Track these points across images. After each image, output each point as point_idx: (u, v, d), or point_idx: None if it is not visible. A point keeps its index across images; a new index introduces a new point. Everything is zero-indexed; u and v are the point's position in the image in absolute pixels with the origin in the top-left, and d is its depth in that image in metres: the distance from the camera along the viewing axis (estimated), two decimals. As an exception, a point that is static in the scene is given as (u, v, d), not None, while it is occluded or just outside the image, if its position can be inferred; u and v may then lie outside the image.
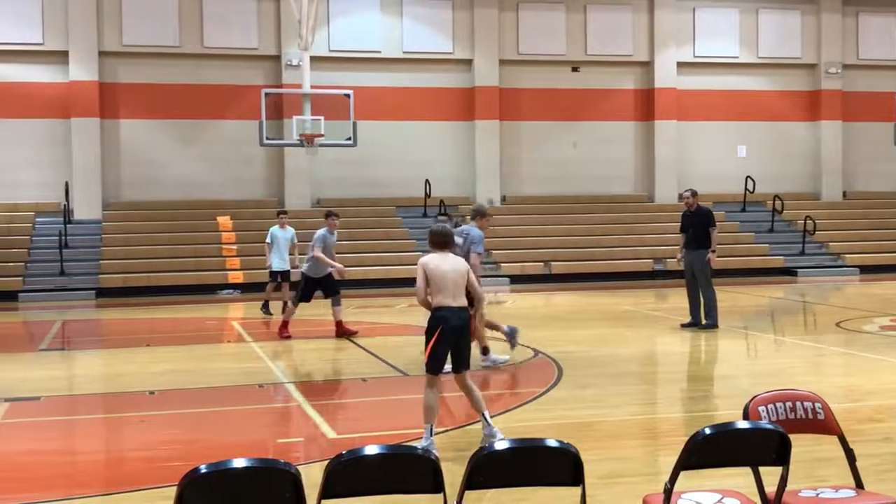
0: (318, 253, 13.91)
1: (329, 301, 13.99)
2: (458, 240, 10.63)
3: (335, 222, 14.98)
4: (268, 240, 16.50)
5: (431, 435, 7.09)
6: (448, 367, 7.42)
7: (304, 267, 13.95)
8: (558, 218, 25.63)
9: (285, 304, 15.94)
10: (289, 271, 16.49)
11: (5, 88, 23.70)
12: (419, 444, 6.92)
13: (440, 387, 7.45)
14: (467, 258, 10.27)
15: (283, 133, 23.06)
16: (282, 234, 16.35)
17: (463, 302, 7.22)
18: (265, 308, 16.84)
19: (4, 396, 9.85)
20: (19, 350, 14.09)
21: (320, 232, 14.51)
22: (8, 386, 10.60)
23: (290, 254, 16.53)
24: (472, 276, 7.45)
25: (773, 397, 4.54)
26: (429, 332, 7.16)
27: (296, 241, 16.49)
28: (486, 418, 7.31)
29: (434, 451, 7.10)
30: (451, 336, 7.14)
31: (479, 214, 10.81)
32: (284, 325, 14.04)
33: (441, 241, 7.42)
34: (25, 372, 11.55)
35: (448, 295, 7.15)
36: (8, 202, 23.88)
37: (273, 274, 16.51)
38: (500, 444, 3.81)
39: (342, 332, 13.78)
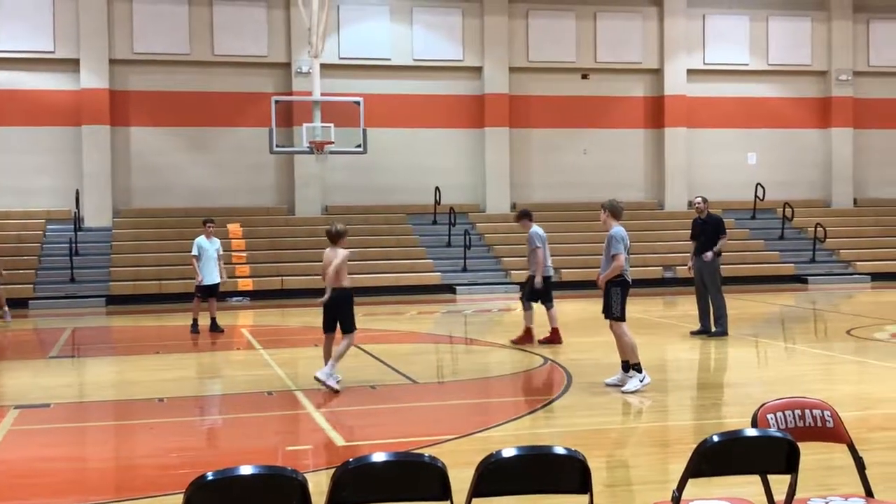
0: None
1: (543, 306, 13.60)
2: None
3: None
4: (194, 252, 15.33)
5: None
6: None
7: (548, 270, 13.50)
8: (568, 225, 25.60)
9: (213, 319, 15.62)
10: (218, 285, 15.54)
11: (17, 96, 23.81)
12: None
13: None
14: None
15: (294, 140, 23.11)
16: (209, 245, 15.34)
17: (335, 284, 10.19)
18: (194, 327, 15.53)
19: (15, 403, 9.88)
20: (30, 357, 14.12)
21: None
22: (18, 393, 10.64)
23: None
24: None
25: (782, 405, 4.52)
26: None
27: (221, 251, 15.58)
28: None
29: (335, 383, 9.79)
30: None
31: None
32: (555, 331, 13.44)
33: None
34: (35, 379, 11.58)
35: None
36: (20, 209, 23.98)
37: (202, 288, 15.35)
38: (508, 452, 3.80)
39: (551, 338, 13.42)
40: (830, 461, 6.24)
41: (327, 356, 10.28)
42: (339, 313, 10.23)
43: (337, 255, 10.14)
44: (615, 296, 10.10)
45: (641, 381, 10.01)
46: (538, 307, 13.68)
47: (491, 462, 3.74)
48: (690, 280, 14.87)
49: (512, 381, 11.45)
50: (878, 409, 9.03)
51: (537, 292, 13.52)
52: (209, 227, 15.51)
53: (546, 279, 13.54)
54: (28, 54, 23.86)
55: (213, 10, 24.71)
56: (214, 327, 15.63)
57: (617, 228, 10.29)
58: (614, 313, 10.13)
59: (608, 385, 10.23)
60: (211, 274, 15.39)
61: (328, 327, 10.33)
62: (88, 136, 24.00)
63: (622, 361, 10.21)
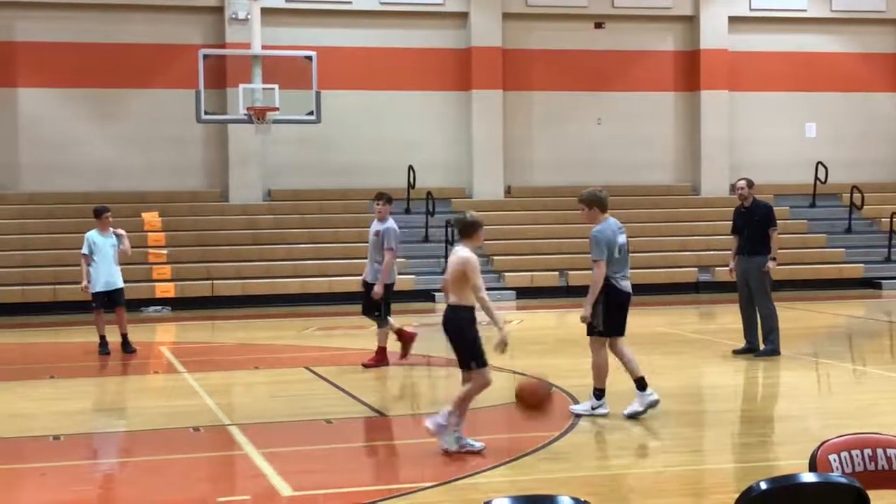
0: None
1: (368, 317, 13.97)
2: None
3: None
4: (84, 249, 15.21)
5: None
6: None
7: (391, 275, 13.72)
8: (577, 215, 25.55)
9: (124, 336, 15.46)
10: (121, 290, 15.50)
11: None
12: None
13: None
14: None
15: (227, 106, 23.02)
16: (105, 240, 15.28)
17: (449, 299, 9.22)
18: (103, 347, 15.41)
19: None
20: None
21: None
22: None
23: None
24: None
25: (849, 443, 4.55)
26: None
27: (127, 245, 15.55)
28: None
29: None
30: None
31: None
32: (382, 351, 13.78)
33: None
34: None
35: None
36: None
37: (98, 297, 15.24)
38: (500, 503, 3.80)
39: (375, 360, 13.82)
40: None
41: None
42: (453, 342, 9.34)
43: (455, 257, 9.20)
44: (597, 306, 10.49)
45: (593, 409, 10.45)
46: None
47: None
48: (732, 285, 14.92)
49: (505, 413, 11.44)
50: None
51: (378, 303, 13.69)
52: (107, 217, 15.46)
53: (388, 287, 13.74)
54: None
55: (123, -62, 24.63)
56: (126, 346, 15.53)
57: (602, 225, 10.57)
58: (595, 327, 10.50)
59: (628, 417, 10.27)
60: (108, 277, 15.31)
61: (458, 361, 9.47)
62: (-37, 99, 23.91)
63: (635, 380, 10.48)
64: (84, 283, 15.21)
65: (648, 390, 10.45)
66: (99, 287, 15.23)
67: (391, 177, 25.54)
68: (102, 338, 15.48)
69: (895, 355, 15.71)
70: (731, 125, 27.39)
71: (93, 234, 15.32)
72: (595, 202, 10.62)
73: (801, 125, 28.12)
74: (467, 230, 9.24)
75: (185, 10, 25.08)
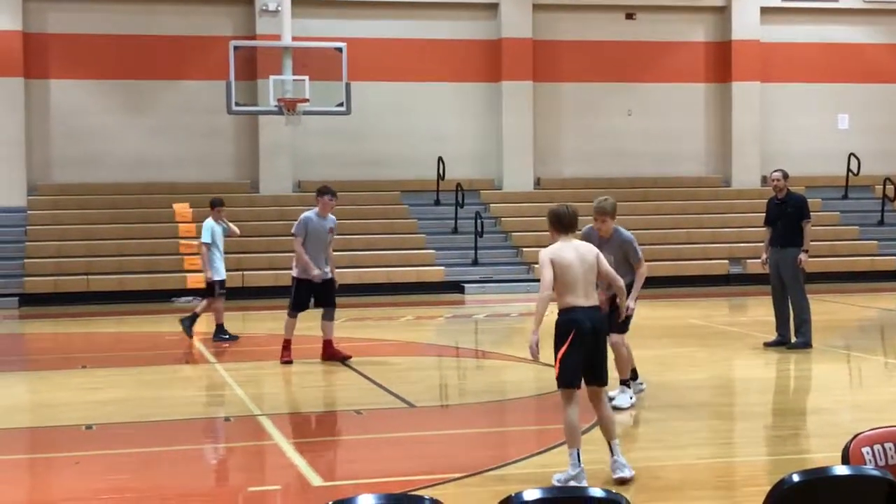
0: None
1: (320, 313, 13.85)
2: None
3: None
4: (207, 238, 15.57)
5: (580, 462, 7.58)
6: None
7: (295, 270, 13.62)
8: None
9: (191, 319, 15.89)
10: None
11: None
12: (558, 476, 7.54)
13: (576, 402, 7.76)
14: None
15: (258, 98, 23.08)
16: (221, 229, 15.77)
17: (595, 300, 8.13)
18: (222, 332, 15.90)
19: None
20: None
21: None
22: None
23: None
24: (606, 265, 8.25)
25: (881, 436, 4.53)
26: (559, 339, 7.96)
27: (235, 230, 16.23)
28: (613, 448, 7.83)
29: (583, 481, 7.52)
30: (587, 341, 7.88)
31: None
32: (286, 345, 13.76)
33: (567, 224, 8.34)
34: (-71, 400, 11.61)
35: (579, 292, 7.99)
36: None
37: (221, 283, 15.80)
38: (531, 494, 3.80)
39: (330, 354, 13.66)
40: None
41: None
42: (603, 352, 8.24)
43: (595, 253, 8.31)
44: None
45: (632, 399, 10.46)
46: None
47: (512, 506, 3.73)
48: (764, 277, 14.86)
49: (535, 404, 11.45)
50: None
51: (334, 296, 13.72)
52: (219, 210, 15.84)
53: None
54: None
55: (155, -70, 24.73)
56: (223, 332, 15.94)
57: (625, 230, 10.47)
58: (625, 325, 10.30)
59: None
60: (223, 266, 15.84)
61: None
62: (-4, 91, 24.04)
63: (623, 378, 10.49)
64: (209, 272, 15.59)
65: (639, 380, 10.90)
66: (222, 274, 15.77)
67: (421, 168, 25.59)
68: (221, 325, 15.85)
69: (928, 348, 15.61)
70: (762, 116, 27.29)
71: (212, 224, 15.70)
72: (615, 211, 10.57)
73: (833, 116, 27.98)
74: (573, 224, 8.57)
75: (216, 1, 25.18)
